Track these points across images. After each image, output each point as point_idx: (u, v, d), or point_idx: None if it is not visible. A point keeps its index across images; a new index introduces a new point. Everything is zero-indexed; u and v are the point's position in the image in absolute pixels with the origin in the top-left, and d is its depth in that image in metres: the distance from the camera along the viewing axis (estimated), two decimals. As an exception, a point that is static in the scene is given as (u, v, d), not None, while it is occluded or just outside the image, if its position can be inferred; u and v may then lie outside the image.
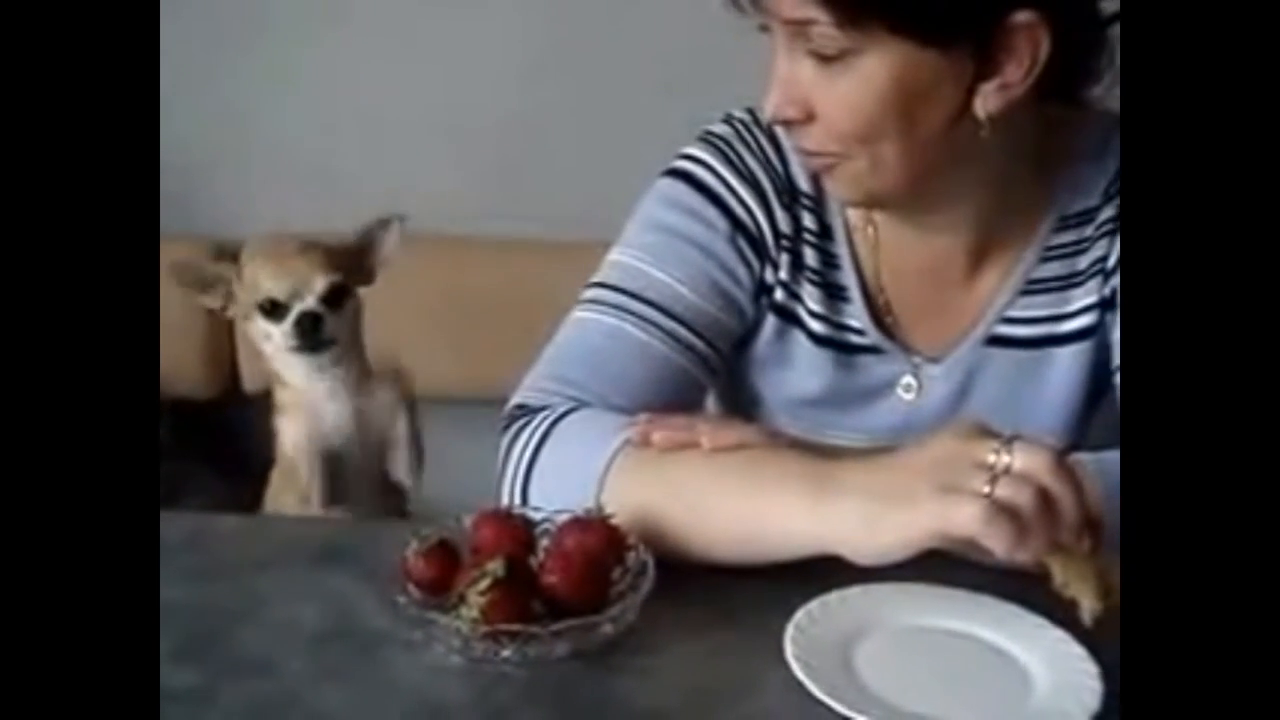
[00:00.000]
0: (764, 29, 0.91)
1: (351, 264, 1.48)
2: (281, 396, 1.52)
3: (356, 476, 1.51)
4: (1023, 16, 0.86)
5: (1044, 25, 0.86)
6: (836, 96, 0.89)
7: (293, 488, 1.50)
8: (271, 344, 1.46)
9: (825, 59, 0.87)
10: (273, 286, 1.43)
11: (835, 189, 0.99)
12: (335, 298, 1.44)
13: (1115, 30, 0.92)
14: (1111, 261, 1.01)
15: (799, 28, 0.87)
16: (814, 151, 0.94)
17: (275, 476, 1.55)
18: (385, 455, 1.55)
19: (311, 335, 1.42)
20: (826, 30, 0.86)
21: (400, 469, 1.55)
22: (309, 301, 1.42)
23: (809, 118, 0.91)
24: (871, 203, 1.00)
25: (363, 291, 1.53)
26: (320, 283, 1.43)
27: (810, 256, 1.04)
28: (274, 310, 1.43)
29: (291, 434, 1.50)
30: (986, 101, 0.89)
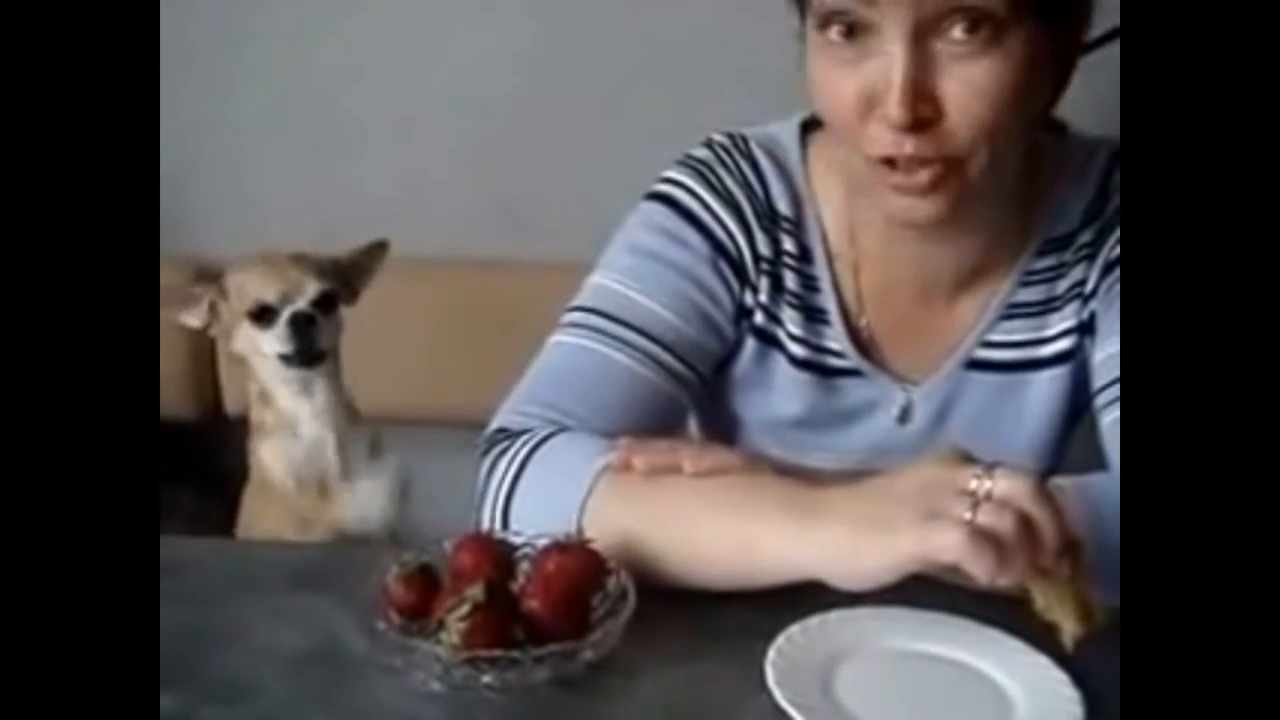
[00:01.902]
0: (826, 23, 0.88)
1: (339, 280, 1.48)
2: (262, 417, 1.51)
3: (335, 501, 1.50)
4: None
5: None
6: (970, 90, 0.86)
7: (270, 511, 1.49)
8: (259, 356, 1.45)
9: (960, 48, 0.85)
10: (264, 290, 1.41)
11: (923, 208, 0.91)
12: (326, 304, 1.43)
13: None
14: (1089, 286, 1.01)
15: (935, 22, 0.84)
16: (930, 158, 0.88)
17: (248, 500, 1.54)
18: (364, 485, 1.54)
19: (304, 338, 1.41)
20: (964, 22, 0.84)
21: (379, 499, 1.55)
22: (300, 305, 1.41)
23: (939, 116, 0.87)
24: (943, 218, 0.92)
25: (345, 313, 1.52)
26: (312, 288, 1.42)
27: (790, 279, 1.04)
28: (264, 316, 1.41)
29: (271, 457, 1.49)
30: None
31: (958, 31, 0.85)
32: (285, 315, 1.41)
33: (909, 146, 0.88)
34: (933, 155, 0.88)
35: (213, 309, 1.48)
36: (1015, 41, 0.86)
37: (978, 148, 0.88)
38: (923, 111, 0.86)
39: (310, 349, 1.42)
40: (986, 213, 0.98)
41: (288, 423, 1.49)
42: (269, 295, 1.41)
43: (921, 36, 0.85)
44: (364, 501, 1.51)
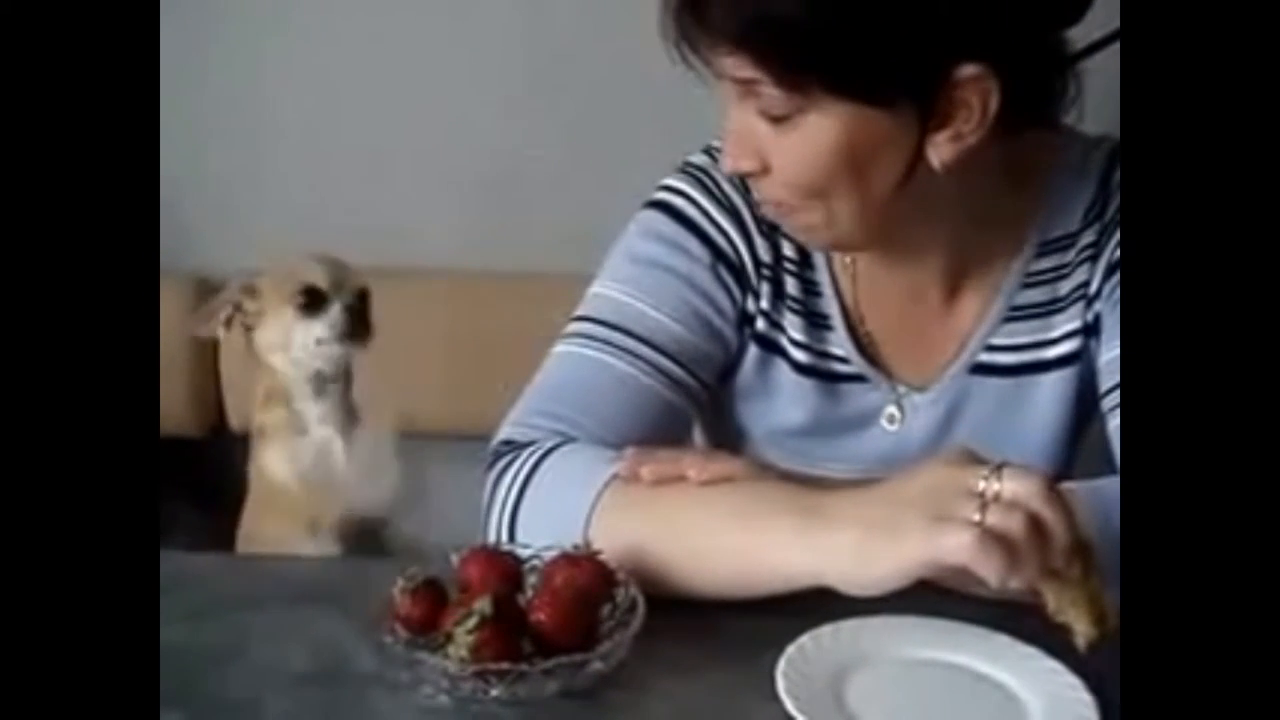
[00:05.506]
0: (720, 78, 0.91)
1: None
2: (264, 420, 1.50)
3: (342, 506, 1.50)
4: (969, 70, 0.85)
5: (992, 76, 0.85)
6: (787, 152, 0.89)
7: (273, 518, 1.49)
8: (282, 352, 1.45)
9: (774, 118, 0.88)
10: (314, 275, 1.42)
11: (796, 234, 1.00)
12: (365, 301, 1.45)
13: (1080, 68, 0.93)
14: (1093, 287, 1.01)
15: (746, 87, 0.87)
16: (771, 201, 0.95)
17: (251, 506, 1.54)
18: (368, 489, 1.54)
19: (356, 323, 1.42)
20: (771, 90, 0.86)
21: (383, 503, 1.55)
22: (348, 296, 1.43)
23: (764, 169, 0.91)
24: (832, 247, 1.00)
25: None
26: (357, 280, 1.44)
27: (791, 285, 1.04)
28: (313, 302, 1.42)
29: (276, 461, 1.49)
30: (940, 152, 0.89)
31: (766, 105, 0.87)
32: (338, 303, 1.42)
33: (751, 187, 0.98)
34: (768, 199, 0.95)
35: (229, 320, 1.48)
36: (821, 117, 0.87)
37: (805, 201, 0.92)
38: (746, 165, 0.92)
39: (361, 333, 1.44)
40: (942, 228, 0.98)
41: (297, 423, 1.49)
42: (320, 280, 1.42)
43: (745, 103, 0.89)
44: (370, 489, 1.51)
